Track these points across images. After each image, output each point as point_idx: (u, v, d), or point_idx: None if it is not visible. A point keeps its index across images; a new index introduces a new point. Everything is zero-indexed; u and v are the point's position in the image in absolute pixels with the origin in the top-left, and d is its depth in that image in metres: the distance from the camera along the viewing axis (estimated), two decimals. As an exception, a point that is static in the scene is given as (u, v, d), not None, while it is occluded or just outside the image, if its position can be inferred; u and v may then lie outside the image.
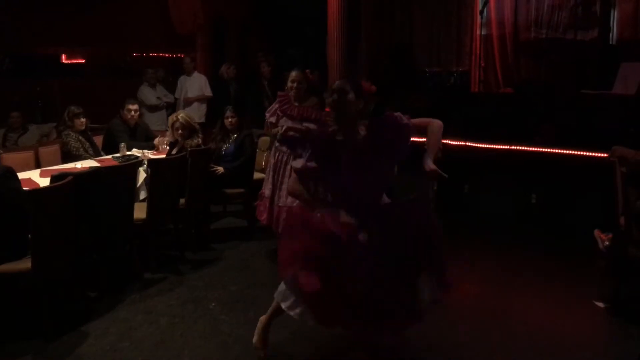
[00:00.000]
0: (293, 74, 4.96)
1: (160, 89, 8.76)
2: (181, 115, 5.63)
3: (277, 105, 5.03)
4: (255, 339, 3.34)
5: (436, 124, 3.18)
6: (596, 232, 5.06)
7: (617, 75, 6.80)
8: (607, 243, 4.76)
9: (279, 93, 5.12)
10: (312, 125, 4.97)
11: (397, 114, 3.02)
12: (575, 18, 8.41)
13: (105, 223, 4.34)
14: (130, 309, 4.14)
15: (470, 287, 4.80)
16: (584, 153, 5.84)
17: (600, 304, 4.14)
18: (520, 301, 4.39)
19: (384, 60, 10.13)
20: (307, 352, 3.55)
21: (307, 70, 5.41)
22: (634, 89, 6.31)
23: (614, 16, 8.11)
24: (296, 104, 4.95)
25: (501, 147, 6.43)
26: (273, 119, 5.04)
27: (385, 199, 3.09)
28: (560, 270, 4.95)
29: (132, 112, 6.47)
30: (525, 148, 6.26)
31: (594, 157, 5.71)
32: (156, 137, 6.63)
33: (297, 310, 2.97)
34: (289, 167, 4.93)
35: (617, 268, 4.14)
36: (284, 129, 4.87)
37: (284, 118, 4.95)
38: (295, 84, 4.93)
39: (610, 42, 8.14)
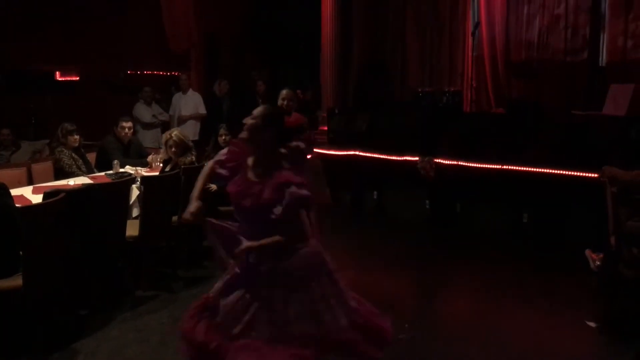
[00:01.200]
0: (284, 92, 5.10)
1: (155, 107, 8.79)
2: (175, 133, 5.64)
3: None
4: None
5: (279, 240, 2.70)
6: (587, 252, 5.10)
7: (606, 96, 6.89)
8: (598, 263, 4.79)
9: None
10: (301, 144, 5.04)
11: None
12: (565, 40, 8.55)
13: (98, 240, 4.33)
14: (121, 327, 4.11)
15: (462, 305, 4.81)
16: (575, 173, 5.89)
17: (592, 324, 4.14)
18: (512, 320, 4.39)
19: (377, 79, 10.22)
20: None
21: (298, 91, 5.50)
22: (623, 110, 6.39)
23: (603, 39, 8.25)
24: None
25: (493, 166, 6.48)
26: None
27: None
28: (551, 290, 4.96)
29: (126, 130, 6.48)
30: (517, 167, 6.31)
31: (585, 176, 5.77)
32: (149, 154, 6.63)
33: None
34: None
35: (608, 287, 4.16)
36: None
37: None
38: (285, 102, 5.04)
39: (600, 64, 8.26)
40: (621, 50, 8.04)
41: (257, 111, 2.75)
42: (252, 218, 2.69)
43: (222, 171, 2.84)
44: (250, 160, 2.76)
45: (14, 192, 4.47)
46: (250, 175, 2.73)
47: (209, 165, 2.99)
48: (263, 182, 2.67)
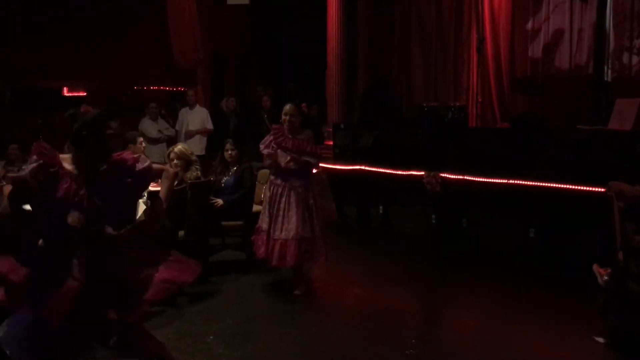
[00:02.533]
0: (287, 107, 5.07)
1: (161, 122, 8.86)
2: (177, 147, 5.68)
3: (271, 138, 5.10)
4: None
5: None
6: (595, 267, 5.06)
7: (612, 111, 6.88)
8: (605, 278, 4.75)
9: (274, 126, 5.21)
10: (313, 160, 5.07)
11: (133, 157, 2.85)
12: (570, 55, 8.57)
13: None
14: (127, 343, 4.10)
15: (469, 321, 4.78)
16: (582, 187, 5.87)
17: (600, 339, 4.11)
18: (518, 336, 4.36)
19: (382, 94, 10.27)
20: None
21: (303, 105, 5.50)
22: (629, 124, 6.38)
23: (608, 54, 8.26)
24: (290, 136, 5.02)
25: (499, 181, 6.47)
26: (267, 151, 5.10)
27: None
28: (559, 305, 4.93)
29: (143, 144, 6.57)
30: (523, 182, 6.30)
31: (592, 191, 5.75)
32: (156, 169, 6.67)
33: None
34: (284, 199, 4.98)
35: (616, 303, 4.13)
36: (287, 160, 4.94)
37: (279, 150, 5.02)
38: (288, 117, 5.03)
39: (605, 79, 8.26)
40: (626, 66, 8.05)
41: (82, 118, 2.79)
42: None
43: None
44: (70, 165, 2.73)
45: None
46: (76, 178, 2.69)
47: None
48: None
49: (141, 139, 6.54)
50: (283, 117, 5.06)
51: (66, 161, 2.73)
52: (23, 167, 2.73)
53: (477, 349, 4.12)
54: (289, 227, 4.96)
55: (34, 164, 2.63)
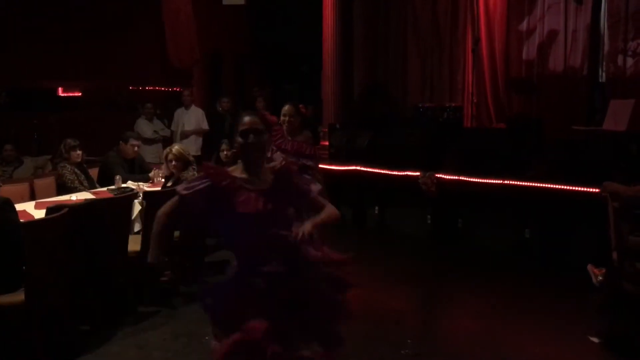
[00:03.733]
0: (285, 108, 5.04)
1: (157, 122, 8.84)
2: (175, 148, 5.67)
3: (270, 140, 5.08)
4: None
5: (334, 213, 2.98)
6: (589, 267, 5.08)
7: (607, 112, 6.91)
8: (600, 278, 4.77)
9: (273, 127, 5.18)
10: (311, 163, 5.04)
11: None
12: (565, 57, 8.60)
13: (100, 255, 4.33)
14: (122, 343, 4.10)
15: (465, 321, 4.79)
16: (577, 188, 5.89)
17: (595, 339, 4.13)
18: (513, 336, 4.38)
19: (378, 95, 10.28)
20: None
21: (300, 105, 5.48)
22: (623, 125, 6.41)
23: (603, 54, 8.29)
24: (289, 138, 5.00)
25: (495, 181, 6.48)
26: (267, 154, 5.07)
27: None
28: (554, 305, 4.95)
29: (135, 148, 6.56)
30: (519, 183, 6.32)
31: (587, 192, 5.77)
32: (151, 169, 6.66)
33: None
34: None
35: (611, 303, 4.15)
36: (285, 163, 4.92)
37: (278, 152, 5.00)
38: (287, 118, 5.00)
39: (600, 80, 8.30)
40: (621, 68, 8.08)
41: (251, 120, 2.68)
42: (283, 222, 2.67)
43: (195, 205, 2.61)
44: (240, 173, 2.66)
45: (17, 207, 4.48)
46: (250, 187, 2.61)
47: (168, 205, 2.70)
48: (266, 183, 2.65)
49: (134, 142, 6.54)
50: (282, 118, 5.03)
51: (236, 171, 2.67)
52: (189, 182, 2.68)
53: (473, 348, 4.13)
54: None
55: (202, 186, 2.60)
